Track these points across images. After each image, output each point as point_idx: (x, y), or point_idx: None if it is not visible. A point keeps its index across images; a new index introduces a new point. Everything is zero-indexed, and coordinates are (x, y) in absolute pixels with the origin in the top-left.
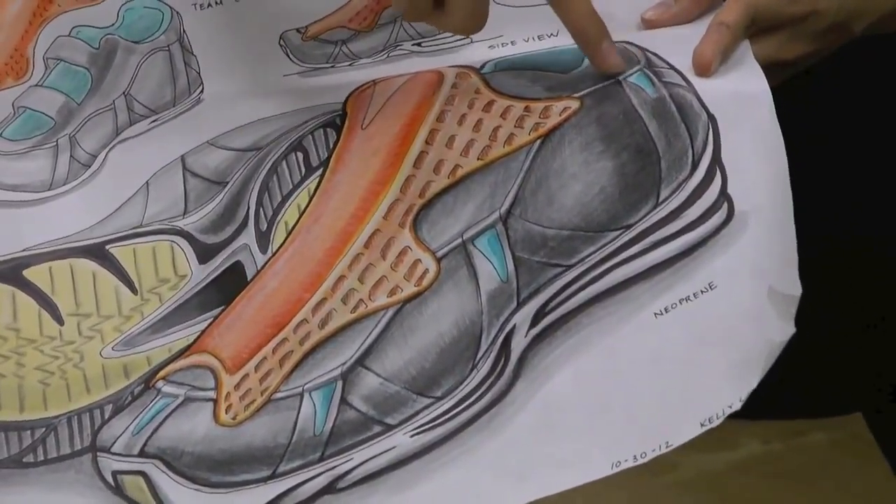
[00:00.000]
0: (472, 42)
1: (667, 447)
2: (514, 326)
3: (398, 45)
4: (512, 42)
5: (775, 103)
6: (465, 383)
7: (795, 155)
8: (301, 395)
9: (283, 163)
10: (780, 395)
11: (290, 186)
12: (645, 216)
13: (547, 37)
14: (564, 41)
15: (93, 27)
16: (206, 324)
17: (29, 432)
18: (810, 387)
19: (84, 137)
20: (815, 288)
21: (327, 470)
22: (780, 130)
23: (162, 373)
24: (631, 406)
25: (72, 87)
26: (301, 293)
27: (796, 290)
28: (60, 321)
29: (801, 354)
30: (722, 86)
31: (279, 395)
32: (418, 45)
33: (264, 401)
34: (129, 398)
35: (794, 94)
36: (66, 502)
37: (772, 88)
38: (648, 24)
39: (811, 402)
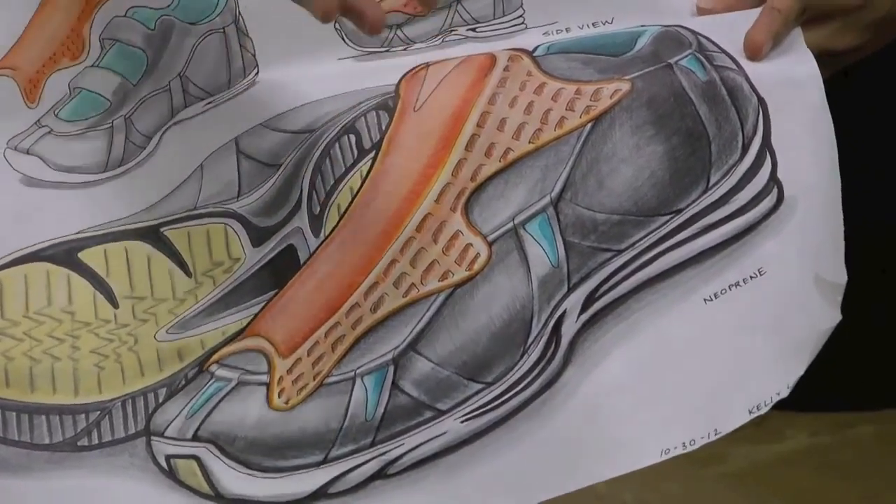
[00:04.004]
0: (526, 28)
1: (715, 434)
2: (565, 311)
3: (453, 31)
4: (567, 29)
5: (827, 93)
6: (516, 369)
7: (845, 142)
8: (353, 379)
9: (336, 145)
10: (828, 388)
11: (343, 169)
12: (695, 201)
13: (602, 24)
14: (619, 28)
15: (149, 8)
16: (259, 307)
17: (84, 416)
18: (859, 379)
19: (139, 119)
20: (866, 279)
21: (378, 455)
22: (829, 116)
23: (216, 356)
24: (680, 393)
25: (128, 68)
26: (353, 277)
27: (842, 277)
28: (115, 304)
29: (850, 347)
30: (772, 70)
31: (331, 379)
32: (473, 30)
33: (316, 385)
34: (183, 382)
35: (844, 85)
36: (120, 486)
37: (823, 79)
38: (703, 13)
39: (860, 394)
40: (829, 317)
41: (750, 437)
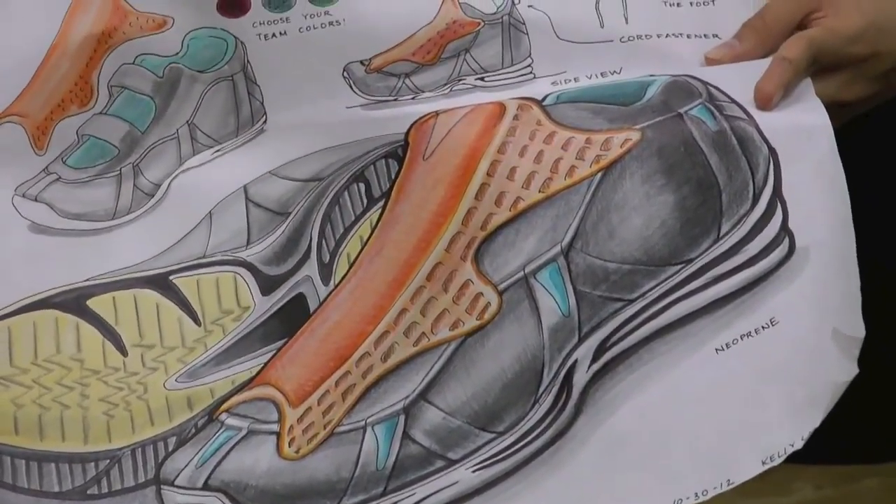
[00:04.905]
0: (535, 77)
1: (728, 484)
2: (576, 361)
3: (461, 80)
4: (575, 78)
5: (837, 143)
6: (528, 418)
7: (857, 190)
8: (364, 428)
9: (346, 193)
10: (833, 440)
11: (353, 217)
12: (706, 251)
13: (610, 74)
14: (628, 78)
15: (157, 55)
16: (269, 356)
17: (93, 464)
18: (864, 432)
19: (147, 166)
20: (871, 330)
21: None
22: (840, 164)
23: (225, 405)
24: (692, 443)
25: (136, 116)
26: (363, 326)
27: (860, 331)
28: (124, 352)
29: (855, 399)
30: (783, 119)
31: (342, 428)
32: (481, 79)
33: (327, 434)
34: (193, 431)
35: (855, 134)
36: None
37: (833, 129)
38: (711, 63)
39: (865, 447)
40: (845, 370)
41: (756, 491)
